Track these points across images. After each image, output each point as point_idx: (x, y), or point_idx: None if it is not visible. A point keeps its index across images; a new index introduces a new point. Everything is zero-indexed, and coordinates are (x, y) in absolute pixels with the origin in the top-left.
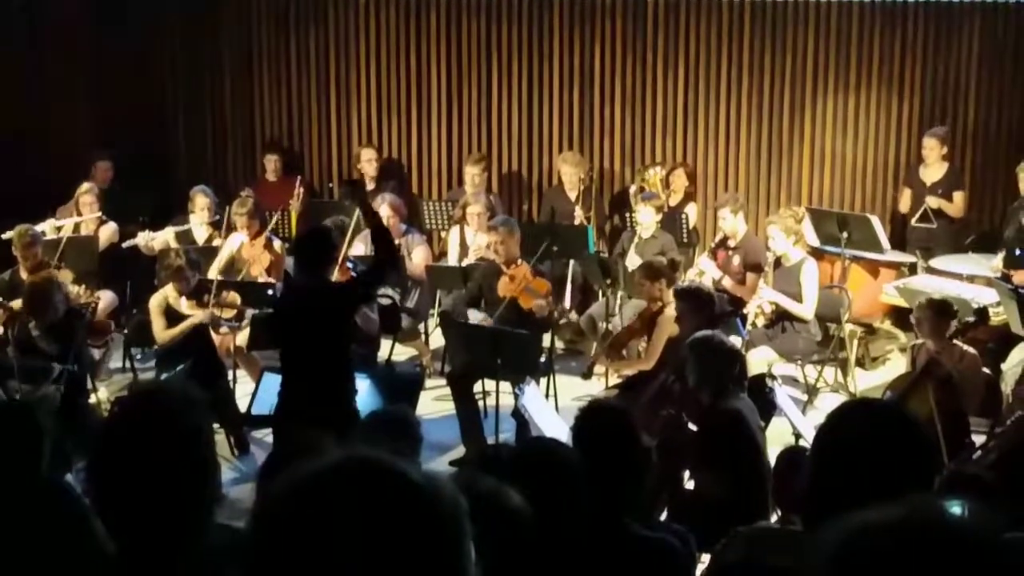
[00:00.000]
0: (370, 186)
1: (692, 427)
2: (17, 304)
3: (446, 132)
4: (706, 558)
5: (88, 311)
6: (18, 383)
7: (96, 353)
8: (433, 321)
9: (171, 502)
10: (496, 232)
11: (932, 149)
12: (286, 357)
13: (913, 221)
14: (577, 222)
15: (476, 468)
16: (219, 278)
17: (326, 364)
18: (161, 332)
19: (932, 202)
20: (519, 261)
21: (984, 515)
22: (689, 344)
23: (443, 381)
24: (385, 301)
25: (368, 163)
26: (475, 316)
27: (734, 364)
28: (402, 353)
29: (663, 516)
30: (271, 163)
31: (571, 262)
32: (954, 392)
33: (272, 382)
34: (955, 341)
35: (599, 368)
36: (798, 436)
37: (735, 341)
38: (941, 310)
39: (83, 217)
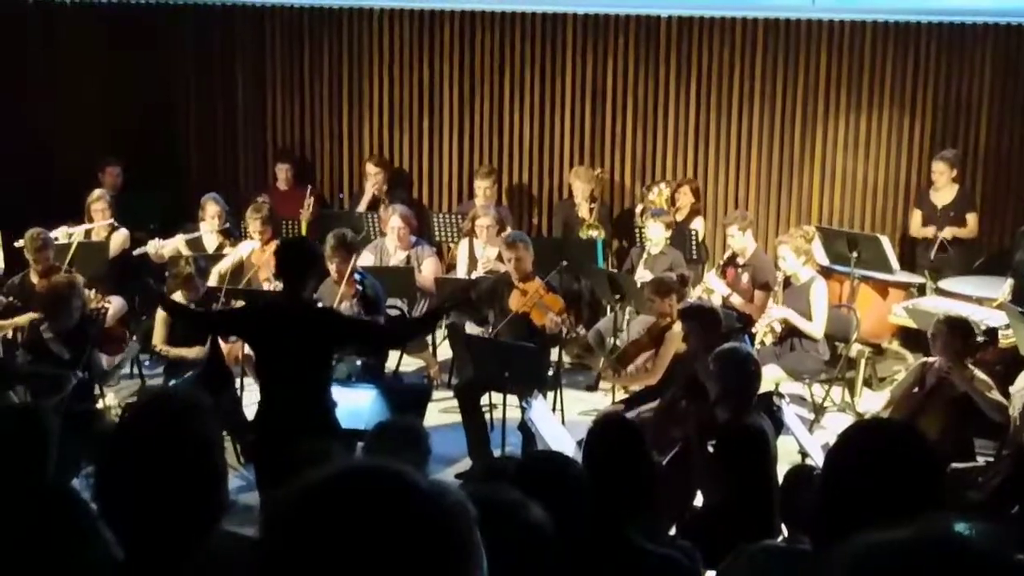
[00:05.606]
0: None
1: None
2: (24, 318)
3: (457, 145)
4: (711, 574)
5: (98, 316)
6: (26, 394)
7: (105, 361)
8: (441, 333)
9: (179, 509)
10: (515, 248)
11: (942, 173)
12: (263, 370)
13: (931, 255)
14: (582, 216)
15: (482, 481)
16: (226, 286)
17: (303, 380)
18: (160, 342)
19: (947, 234)
20: (533, 276)
21: (996, 536)
22: (715, 356)
23: (450, 393)
24: (393, 312)
25: (373, 177)
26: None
27: (757, 381)
28: (410, 364)
29: (671, 531)
30: (282, 172)
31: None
32: (962, 413)
33: None
34: (965, 362)
35: (606, 383)
36: (804, 455)
37: None
38: (956, 327)
39: (95, 224)
